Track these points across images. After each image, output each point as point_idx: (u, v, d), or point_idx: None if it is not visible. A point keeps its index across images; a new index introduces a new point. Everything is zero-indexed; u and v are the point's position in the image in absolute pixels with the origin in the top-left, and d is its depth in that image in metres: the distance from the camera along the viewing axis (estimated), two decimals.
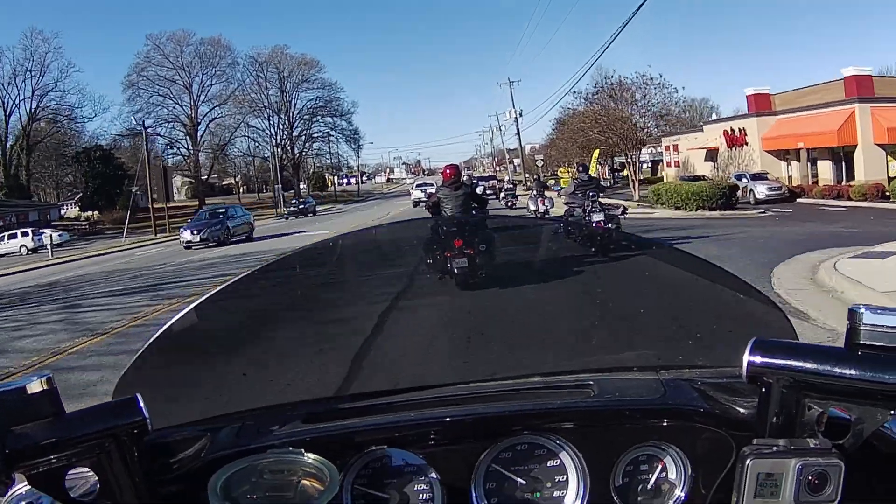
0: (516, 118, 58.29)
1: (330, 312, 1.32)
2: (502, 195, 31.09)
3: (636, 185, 30.02)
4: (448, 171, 8.66)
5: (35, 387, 0.74)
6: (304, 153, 74.93)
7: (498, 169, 78.09)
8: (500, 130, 79.76)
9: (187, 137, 64.62)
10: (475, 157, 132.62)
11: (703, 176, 30.93)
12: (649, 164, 56.57)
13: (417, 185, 42.93)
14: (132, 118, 58.38)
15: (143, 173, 41.47)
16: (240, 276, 1.21)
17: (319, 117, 76.78)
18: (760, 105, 30.48)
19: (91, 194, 54.37)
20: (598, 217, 11.16)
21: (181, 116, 63.71)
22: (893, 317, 0.74)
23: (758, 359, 0.80)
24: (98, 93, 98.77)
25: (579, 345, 1.24)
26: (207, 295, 1.14)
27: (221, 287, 1.18)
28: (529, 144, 71.70)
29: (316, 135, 77.34)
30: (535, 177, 27.07)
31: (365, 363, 1.22)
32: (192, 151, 64.21)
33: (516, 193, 30.66)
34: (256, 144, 70.00)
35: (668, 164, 44.06)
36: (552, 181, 41.84)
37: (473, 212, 8.35)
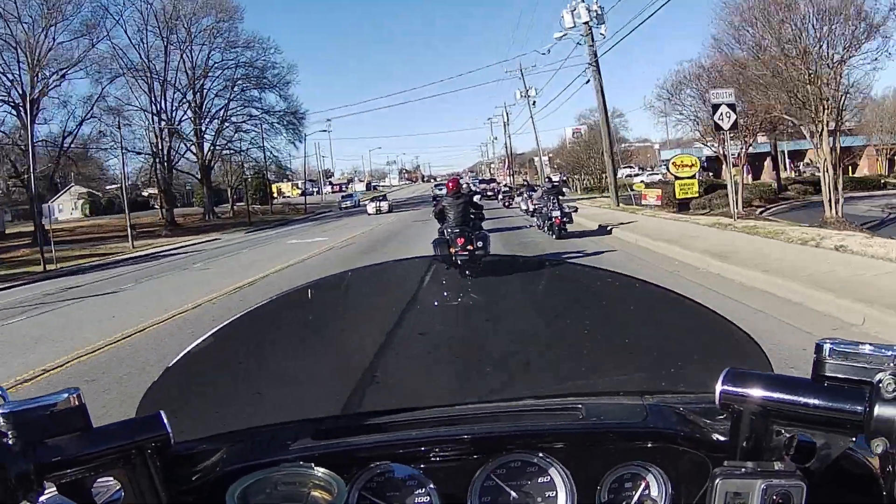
0: (529, 102, 50.44)
1: (337, 338, 1.44)
2: (500, 196, 36.97)
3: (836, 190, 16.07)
4: (451, 183, 11.84)
5: (65, 402, 0.82)
6: (216, 148, 52.89)
7: (508, 172, 75.90)
8: (506, 124, 70.56)
9: (22, 118, 36.63)
10: (480, 161, 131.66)
11: None
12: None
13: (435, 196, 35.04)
14: None
15: None
16: (255, 306, 1.33)
17: (241, 91, 53.73)
18: None
19: None
20: (556, 213, 16.08)
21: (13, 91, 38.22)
22: (856, 351, 0.82)
23: (729, 388, 0.88)
24: None
25: (569, 370, 1.34)
26: (224, 323, 1.27)
27: (237, 315, 1.29)
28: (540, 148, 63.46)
29: (237, 119, 54.13)
30: (547, 178, 28.32)
31: (369, 384, 1.32)
32: (20, 141, 36.81)
33: (513, 195, 34.93)
34: (135, 134, 46.69)
35: None
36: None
37: (471, 215, 11.26)
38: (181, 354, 1.23)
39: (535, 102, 48.61)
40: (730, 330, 1.29)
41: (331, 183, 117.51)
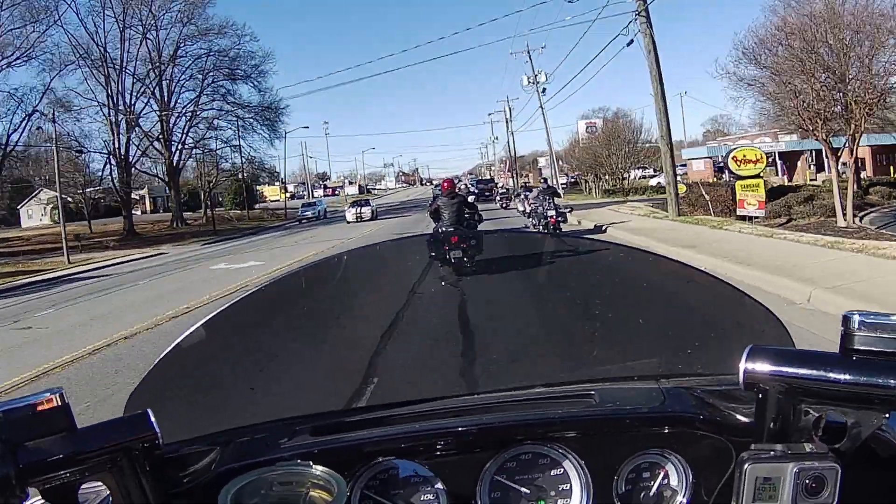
0: (537, 88, 44.60)
1: (335, 327, 1.42)
2: (498, 198, 39.09)
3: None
4: (445, 184, 12.54)
5: (47, 402, 0.80)
6: (186, 147, 49.50)
7: (508, 175, 74.64)
8: (509, 121, 66.60)
9: None
10: (480, 164, 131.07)
11: None
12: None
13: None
14: None
15: None
16: (248, 294, 1.31)
17: (212, 83, 49.59)
18: None
19: None
20: (551, 213, 16.59)
21: None
22: (886, 323, 0.80)
23: (754, 366, 0.86)
24: None
25: (580, 355, 1.33)
26: (216, 312, 1.24)
27: (230, 304, 1.27)
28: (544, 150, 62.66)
29: (209, 115, 50.32)
30: (542, 179, 26.90)
31: (370, 376, 1.31)
32: None
33: (510, 197, 37.53)
34: (83, 130, 43.75)
35: None
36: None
37: (466, 215, 11.88)
38: (170, 348, 1.20)
39: (545, 89, 44.33)
40: (745, 303, 1.26)
41: (325, 186, 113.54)
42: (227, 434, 1.15)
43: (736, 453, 0.96)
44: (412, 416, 1.15)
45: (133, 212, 49.35)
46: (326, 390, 1.31)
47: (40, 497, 0.82)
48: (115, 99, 43.54)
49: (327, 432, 1.10)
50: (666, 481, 1.06)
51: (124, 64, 43.40)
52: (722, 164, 45.33)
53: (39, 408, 0.79)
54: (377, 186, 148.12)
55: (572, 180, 56.38)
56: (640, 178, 59.14)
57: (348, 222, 36.79)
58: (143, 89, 45.54)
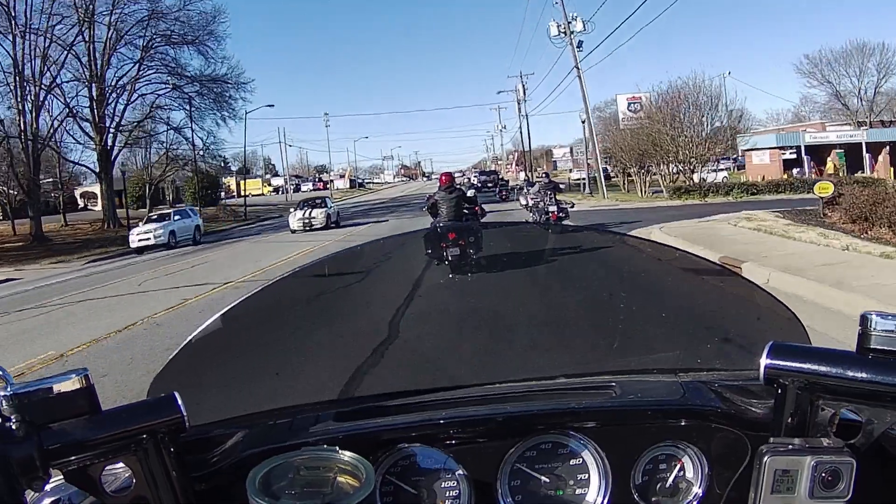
0: (569, 39, 34.94)
1: (358, 315, 1.50)
2: (497, 189, 40.96)
3: None
4: (444, 177, 11.98)
5: (71, 384, 0.82)
6: (122, 130, 41.38)
7: (517, 167, 72.41)
8: (522, 97, 60.32)
9: None
10: (485, 158, 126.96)
11: None
12: None
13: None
14: None
15: None
16: (270, 282, 1.38)
17: (153, 48, 41.33)
18: None
19: None
20: (552, 208, 16.82)
21: None
22: None
23: (774, 362, 0.92)
24: None
25: (601, 346, 1.42)
26: (240, 299, 1.31)
27: (252, 292, 1.35)
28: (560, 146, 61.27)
29: (151, 90, 42.53)
30: (544, 173, 26.03)
31: (393, 363, 1.39)
32: None
33: (509, 188, 40.96)
34: None
35: None
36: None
37: (465, 210, 11.70)
38: (195, 333, 1.27)
39: (581, 43, 36.00)
40: (767, 302, 1.34)
41: (321, 180, 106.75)
42: (251, 418, 1.22)
43: (752, 447, 1.04)
44: (434, 403, 1.23)
45: (90, 207, 46.31)
46: (349, 377, 1.37)
47: (62, 478, 0.86)
48: (20, 66, 33.77)
49: (351, 418, 1.18)
50: (682, 473, 1.14)
51: (29, 19, 33.95)
52: (795, 156, 35.14)
53: (63, 389, 0.81)
54: (375, 180, 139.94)
55: (607, 169, 47.44)
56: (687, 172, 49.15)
57: (293, 231, 28.71)
58: (64, 56, 36.54)
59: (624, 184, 39.83)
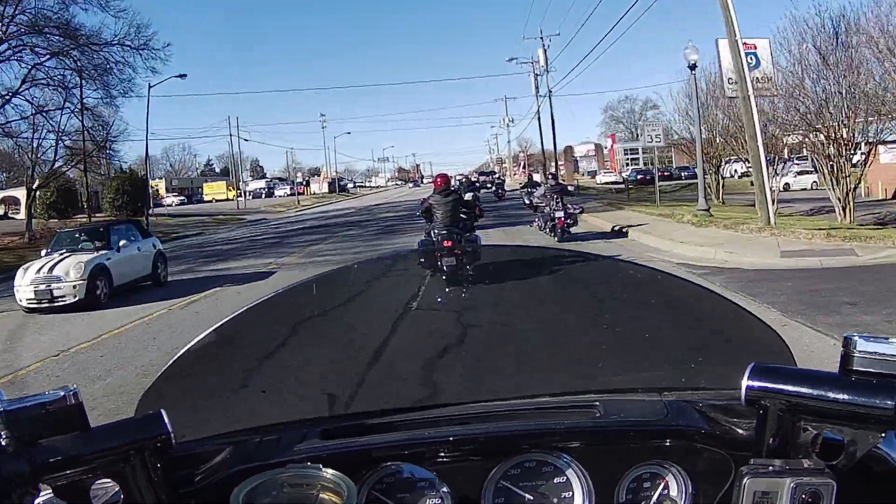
0: None
1: (344, 334, 1.53)
2: (495, 189, 42.11)
3: None
4: (439, 179, 11.31)
5: (61, 401, 0.86)
6: None
7: (526, 171, 62.38)
8: (544, 67, 45.79)
9: None
10: (488, 160, 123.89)
11: None
12: None
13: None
14: None
15: None
16: (258, 300, 1.40)
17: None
18: None
19: None
20: (559, 213, 15.86)
21: None
22: (885, 345, 0.89)
23: (756, 383, 0.93)
24: None
25: (586, 366, 1.43)
26: (227, 317, 1.33)
27: (240, 310, 1.36)
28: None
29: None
30: (550, 174, 27.32)
31: (378, 382, 1.41)
32: None
33: (505, 188, 43.21)
34: None
35: None
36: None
37: (462, 215, 11.07)
38: (183, 350, 1.30)
39: None
40: (750, 322, 1.36)
41: (307, 181, 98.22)
42: (238, 435, 1.25)
43: (735, 467, 1.04)
44: (419, 422, 1.25)
45: (11, 216, 38.40)
46: (335, 394, 1.40)
47: (51, 493, 0.88)
48: None
49: (336, 436, 1.20)
50: (666, 492, 1.15)
51: None
52: None
53: (54, 406, 0.84)
54: (368, 183, 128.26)
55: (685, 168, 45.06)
56: (738, 176, 41.37)
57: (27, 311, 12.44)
58: None
59: (715, 190, 26.18)
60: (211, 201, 65.97)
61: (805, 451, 0.92)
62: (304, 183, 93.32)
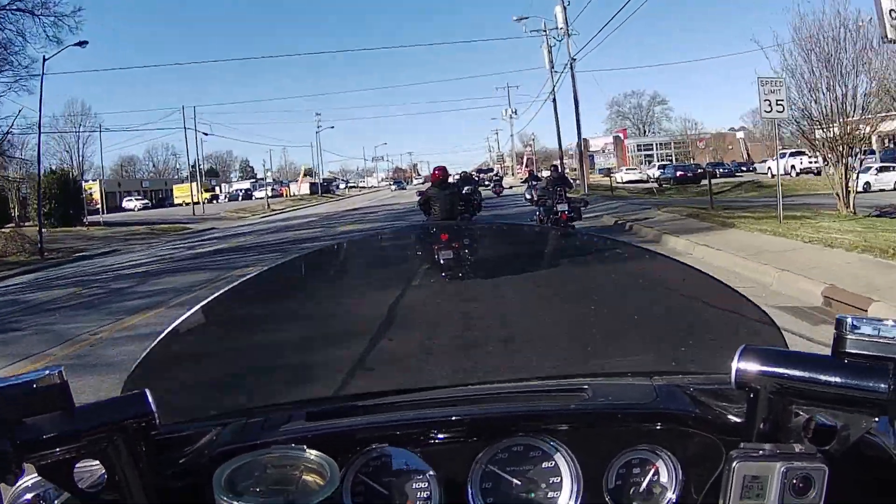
0: None
1: (332, 314, 1.52)
2: (493, 185, 43.75)
3: None
4: (437, 172, 11.34)
5: (46, 380, 0.85)
6: None
7: (528, 169, 60.85)
8: (566, 29, 34.71)
9: None
10: (487, 160, 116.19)
11: None
12: None
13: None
14: None
15: None
16: (245, 279, 1.39)
17: None
18: None
19: None
20: (562, 207, 14.60)
21: None
22: (879, 327, 0.87)
23: (746, 366, 0.92)
24: None
25: (575, 349, 1.42)
26: (214, 295, 1.33)
27: (227, 288, 1.36)
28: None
29: None
30: (552, 166, 24.32)
31: (366, 364, 1.40)
32: None
33: (502, 183, 44.85)
34: None
35: None
36: None
37: (460, 208, 11.59)
38: (168, 330, 1.30)
39: None
40: (741, 304, 1.34)
41: (282, 182, 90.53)
42: (223, 417, 1.24)
43: (726, 451, 1.03)
44: (406, 404, 1.24)
45: None
46: (322, 376, 1.40)
47: (36, 473, 0.89)
48: None
49: (322, 418, 1.19)
50: (656, 477, 1.14)
51: None
52: None
53: (38, 385, 0.84)
54: (360, 183, 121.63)
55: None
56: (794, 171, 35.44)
57: None
58: None
59: (843, 190, 16.17)
60: (181, 204, 59.60)
61: (797, 436, 0.91)
62: (286, 184, 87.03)
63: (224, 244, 23.77)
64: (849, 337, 0.84)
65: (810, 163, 32.96)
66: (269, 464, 0.99)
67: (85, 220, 37.76)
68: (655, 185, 39.43)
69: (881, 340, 0.82)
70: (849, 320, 0.85)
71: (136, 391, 0.94)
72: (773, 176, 33.22)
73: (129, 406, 0.92)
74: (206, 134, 64.14)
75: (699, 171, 42.62)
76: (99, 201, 48.62)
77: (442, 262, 1.49)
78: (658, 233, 14.65)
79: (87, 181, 49.38)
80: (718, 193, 28.83)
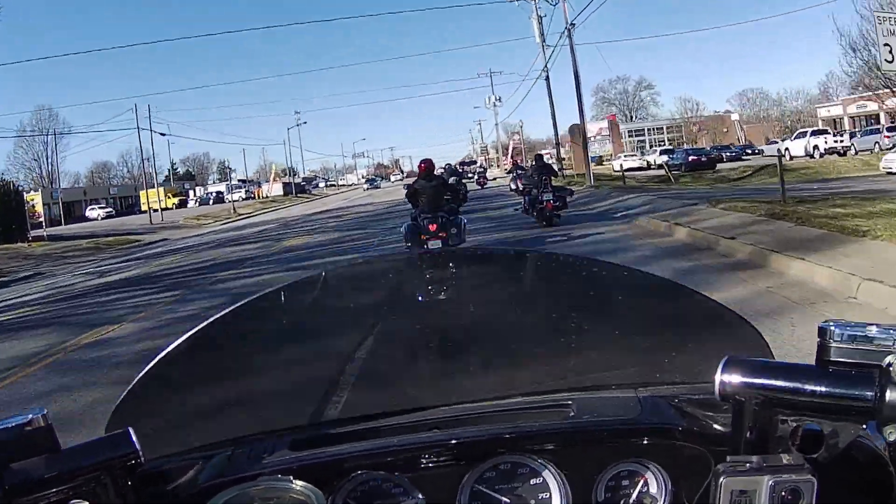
0: None
1: (315, 341, 1.53)
2: (476, 177, 46.01)
3: None
4: (423, 164, 11.69)
5: (32, 424, 0.87)
6: None
7: (514, 160, 56.36)
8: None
9: None
10: (470, 153, 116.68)
11: None
12: None
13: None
14: None
15: None
16: (228, 310, 1.40)
17: None
18: None
19: None
20: (547, 196, 15.11)
21: None
22: (863, 334, 0.86)
23: (729, 378, 0.91)
24: None
25: (558, 365, 1.43)
26: (197, 327, 1.34)
27: (210, 320, 1.37)
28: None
29: None
30: (536, 155, 22.67)
31: (348, 388, 1.41)
32: None
33: (486, 175, 47.64)
34: None
35: None
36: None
37: (446, 198, 11.57)
38: (152, 363, 1.31)
39: None
40: (724, 314, 1.35)
41: (258, 184, 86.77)
42: (209, 448, 1.25)
43: (714, 463, 1.03)
44: (390, 428, 1.25)
45: None
46: (305, 403, 1.41)
47: None
48: None
49: (306, 446, 1.20)
50: (645, 489, 1.14)
51: None
52: None
53: (24, 429, 0.86)
54: (339, 181, 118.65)
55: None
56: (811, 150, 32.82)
57: None
58: None
59: None
60: (147, 211, 56.12)
61: (784, 445, 0.90)
62: (259, 185, 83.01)
63: (138, 269, 19.11)
64: (832, 345, 0.83)
65: (835, 142, 29.93)
66: (256, 496, 1.01)
67: (28, 236, 34.28)
68: (664, 172, 33.35)
69: (865, 347, 0.81)
70: (832, 328, 0.84)
71: (119, 431, 0.95)
72: (791, 158, 30.17)
73: (113, 445, 0.93)
74: (162, 134, 58.33)
75: (713, 155, 40.72)
76: (41, 214, 45.05)
77: (422, 283, 1.51)
78: (756, 249, 8.96)
79: (34, 192, 45.82)
80: (738, 180, 26.26)
